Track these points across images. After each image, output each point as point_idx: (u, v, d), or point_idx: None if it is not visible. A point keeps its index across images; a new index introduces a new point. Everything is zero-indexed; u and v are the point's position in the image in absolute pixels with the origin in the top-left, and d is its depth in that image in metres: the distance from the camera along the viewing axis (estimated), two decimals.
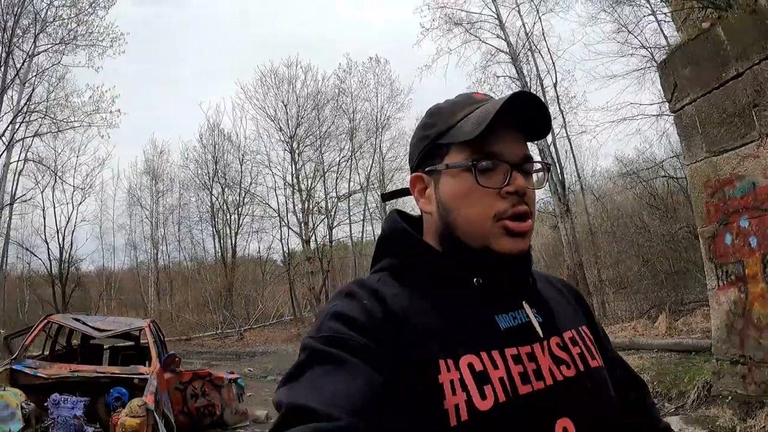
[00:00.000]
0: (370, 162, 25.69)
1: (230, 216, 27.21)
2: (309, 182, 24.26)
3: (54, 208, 23.97)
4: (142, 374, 5.27)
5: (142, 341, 7.22)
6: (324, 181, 24.71)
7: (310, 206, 23.48)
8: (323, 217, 23.95)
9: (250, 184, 26.33)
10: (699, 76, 5.16)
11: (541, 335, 0.79)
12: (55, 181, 22.77)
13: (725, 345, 4.94)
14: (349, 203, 25.73)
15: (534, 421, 0.71)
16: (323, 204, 23.87)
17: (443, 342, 0.71)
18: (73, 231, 24.34)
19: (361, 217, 26.40)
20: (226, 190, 27.02)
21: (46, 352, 6.64)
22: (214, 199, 27.38)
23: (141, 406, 4.55)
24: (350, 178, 25.56)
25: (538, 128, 0.84)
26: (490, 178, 0.78)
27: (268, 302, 25.14)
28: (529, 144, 0.88)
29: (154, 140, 39.82)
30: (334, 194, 24.92)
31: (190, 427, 5.87)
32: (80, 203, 24.67)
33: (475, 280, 0.79)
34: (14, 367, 5.08)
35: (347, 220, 26.07)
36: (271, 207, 25.50)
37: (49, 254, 24.15)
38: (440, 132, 0.83)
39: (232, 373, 7.38)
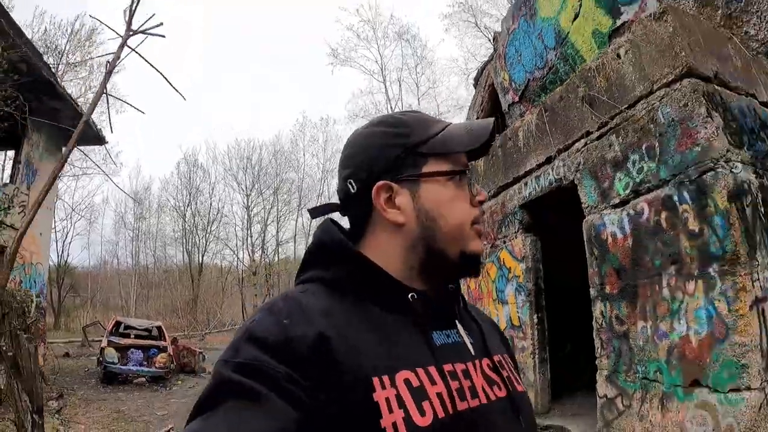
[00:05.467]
0: (317, 203, 33.34)
1: (199, 239, 33.88)
2: (261, 226, 31.94)
3: (54, 223, 29.99)
4: (164, 344, 12.59)
5: (152, 332, 14.48)
6: (278, 222, 32.31)
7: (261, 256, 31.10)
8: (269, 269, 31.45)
9: (214, 220, 33.42)
10: None
11: (473, 354, 0.79)
12: (56, 201, 28.87)
13: None
14: (295, 241, 33.44)
15: None
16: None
17: (377, 359, 0.67)
18: (70, 243, 30.60)
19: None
20: (196, 216, 33.85)
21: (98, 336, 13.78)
22: (185, 223, 34.00)
23: (166, 354, 11.94)
24: (296, 220, 33.49)
25: (478, 155, 0.87)
26: (465, 189, 0.82)
27: (226, 312, 31.22)
28: None
29: (139, 167, 47.16)
30: (280, 236, 32.61)
31: (179, 370, 13.11)
32: (77, 221, 31.15)
33: (410, 295, 0.75)
34: (110, 339, 12.20)
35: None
36: (229, 247, 33.15)
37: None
38: (419, 141, 0.81)
39: (200, 350, 14.74)
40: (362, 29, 41.09)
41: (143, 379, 11.61)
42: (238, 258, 32.68)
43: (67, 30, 21.83)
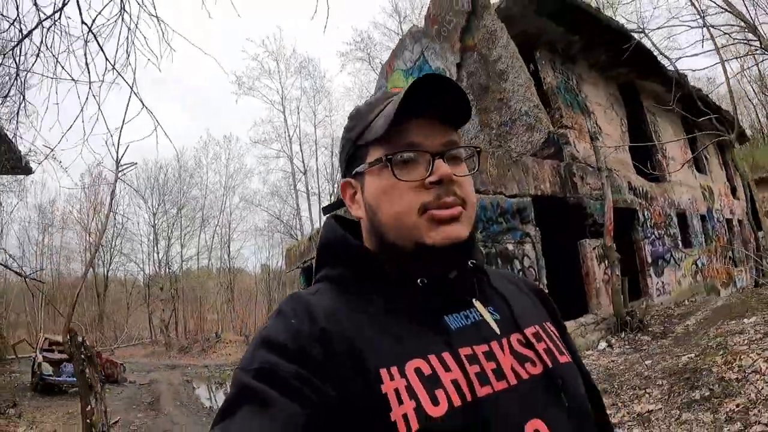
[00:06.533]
0: (218, 220, 35.28)
1: (104, 255, 33.93)
2: (167, 242, 33.37)
3: None
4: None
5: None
6: (181, 240, 33.99)
7: (166, 270, 32.67)
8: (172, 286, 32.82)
9: (120, 232, 34.11)
10: None
11: (498, 332, 0.74)
12: None
13: None
14: (198, 259, 35.13)
15: (500, 425, 0.64)
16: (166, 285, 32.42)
17: (384, 350, 0.66)
18: None
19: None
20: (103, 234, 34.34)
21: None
22: (90, 237, 33.83)
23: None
24: (199, 236, 35.10)
25: (459, 110, 0.77)
26: (412, 171, 0.74)
27: (133, 327, 32.07)
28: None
29: (44, 181, 46.20)
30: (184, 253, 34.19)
31: (105, 380, 15.15)
32: None
33: (419, 281, 0.73)
34: (44, 354, 14.16)
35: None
36: (136, 263, 34.07)
37: None
38: (359, 133, 0.79)
39: (121, 362, 16.98)
40: (266, 61, 43.83)
41: (76, 389, 13.75)
42: (144, 272, 33.76)
43: None
